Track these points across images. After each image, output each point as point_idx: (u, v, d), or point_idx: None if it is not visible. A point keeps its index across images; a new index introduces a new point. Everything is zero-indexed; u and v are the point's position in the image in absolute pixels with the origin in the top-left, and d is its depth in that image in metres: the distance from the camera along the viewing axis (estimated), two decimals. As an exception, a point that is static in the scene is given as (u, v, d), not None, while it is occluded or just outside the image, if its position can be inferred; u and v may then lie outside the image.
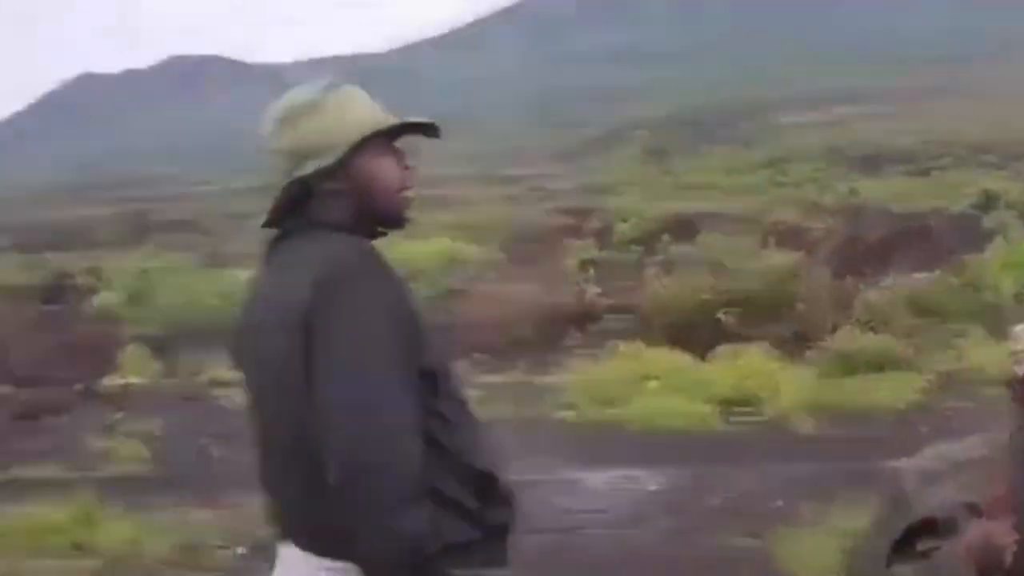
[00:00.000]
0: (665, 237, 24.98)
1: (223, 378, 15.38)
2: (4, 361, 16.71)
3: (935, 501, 4.44)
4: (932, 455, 5.17)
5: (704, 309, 16.66)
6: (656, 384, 12.52)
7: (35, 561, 6.44)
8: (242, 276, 20.51)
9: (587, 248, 25.65)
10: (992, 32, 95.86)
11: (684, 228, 25.43)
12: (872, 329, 14.75)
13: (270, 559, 1.89)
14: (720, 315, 16.39)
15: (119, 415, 12.73)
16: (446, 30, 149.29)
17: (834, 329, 15.17)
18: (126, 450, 10.38)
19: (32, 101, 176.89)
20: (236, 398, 13.77)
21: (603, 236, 26.99)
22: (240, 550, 6.69)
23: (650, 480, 8.83)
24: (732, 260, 18.92)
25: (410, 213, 1.95)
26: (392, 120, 1.92)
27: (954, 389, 12.59)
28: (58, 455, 10.17)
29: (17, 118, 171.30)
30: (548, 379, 15.06)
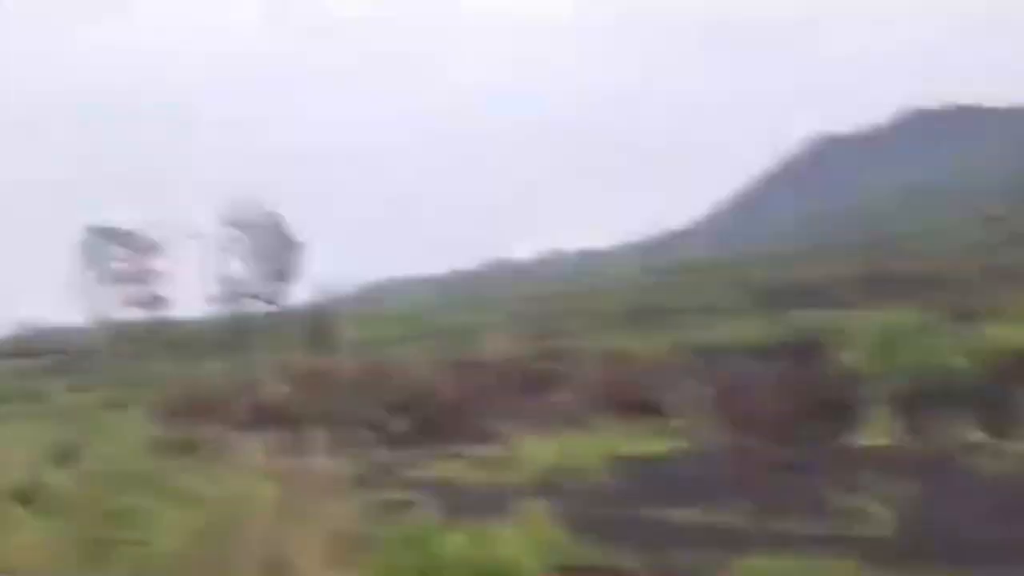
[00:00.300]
0: None
1: (973, 442, 14.61)
2: (752, 417, 17.74)
3: None
4: None
5: None
6: None
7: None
8: (992, 332, 19.34)
9: None
10: None
11: None
12: None
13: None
14: None
15: (866, 475, 12.70)
16: None
17: None
18: (874, 511, 10.31)
19: (774, 165, 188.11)
20: (990, 465, 12.87)
21: None
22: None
23: None
24: None
25: None
26: None
27: None
28: (808, 510, 10.44)
29: (761, 182, 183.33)
30: None
